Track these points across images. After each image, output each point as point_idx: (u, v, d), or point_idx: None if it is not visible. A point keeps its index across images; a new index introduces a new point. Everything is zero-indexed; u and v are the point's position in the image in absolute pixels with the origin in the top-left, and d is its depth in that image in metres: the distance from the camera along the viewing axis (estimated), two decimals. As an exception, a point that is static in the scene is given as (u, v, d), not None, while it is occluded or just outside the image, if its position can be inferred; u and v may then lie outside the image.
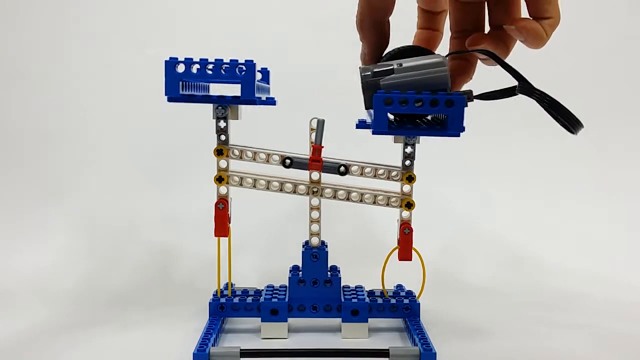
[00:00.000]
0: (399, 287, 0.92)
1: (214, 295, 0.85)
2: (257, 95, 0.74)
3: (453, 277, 1.05)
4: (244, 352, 0.73)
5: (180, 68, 0.72)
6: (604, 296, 0.98)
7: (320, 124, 0.78)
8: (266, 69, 0.82)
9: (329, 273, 0.84)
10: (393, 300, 0.85)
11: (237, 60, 0.73)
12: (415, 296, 0.86)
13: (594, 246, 1.16)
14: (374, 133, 0.72)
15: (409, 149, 0.79)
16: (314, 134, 0.79)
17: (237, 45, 1.23)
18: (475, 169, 1.27)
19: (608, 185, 1.27)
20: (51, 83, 1.23)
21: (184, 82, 0.73)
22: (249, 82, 0.73)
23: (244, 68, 0.73)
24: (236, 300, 0.84)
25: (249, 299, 0.84)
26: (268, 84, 0.82)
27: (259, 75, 0.75)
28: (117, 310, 0.90)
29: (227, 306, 0.84)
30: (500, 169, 1.27)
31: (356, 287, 0.88)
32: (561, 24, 0.61)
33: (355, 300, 0.82)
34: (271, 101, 0.79)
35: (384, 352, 0.73)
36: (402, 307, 0.85)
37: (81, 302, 0.93)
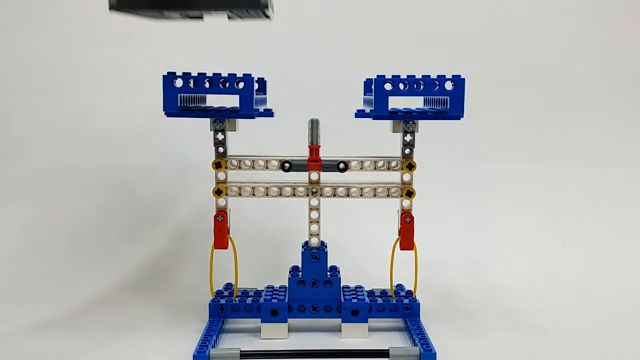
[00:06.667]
0: (399, 286, 0.91)
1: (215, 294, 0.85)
2: (255, 107, 0.74)
3: (454, 276, 1.05)
4: (244, 354, 0.73)
5: (179, 83, 0.73)
6: (605, 296, 0.98)
7: (315, 123, 0.79)
8: (263, 78, 0.82)
9: (328, 273, 0.84)
10: (393, 300, 0.85)
11: (235, 75, 0.73)
12: (415, 296, 0.86)
13: (594, 252, 1.16)
14: (374, 118, 0.74)
15: (408, 137, 0.79)
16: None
17: (233, 46, 1.23)
18: (478, 166, 1.27)
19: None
20: (51, 83, 1.23)
21: (181, 95, 0.74)
22: (247, 97, 0.73)
23: (242, 82, 0.73)
24: (236, 301, 0.84)
25: (249, 300, 0.84)
26: (265, 94, 0.82)
27: (255, 86, 0.75)
28: (117, 312, 0.90)
29: (227, 307, 0.84)
30: (501, 167, 1.27)
31: (356, 287, 0.88)
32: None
33: (355, 300, 0.82)
34: (269, 113, 0.80)
35: (384, 352, 0.73)
36: (402, 307, 0.85)
37: (80, 303, 0.93)
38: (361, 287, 0.88)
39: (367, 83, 0.84)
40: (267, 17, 0.68)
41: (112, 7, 0.63)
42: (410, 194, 0.80)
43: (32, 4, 1.23)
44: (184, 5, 0.62)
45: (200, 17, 0.71)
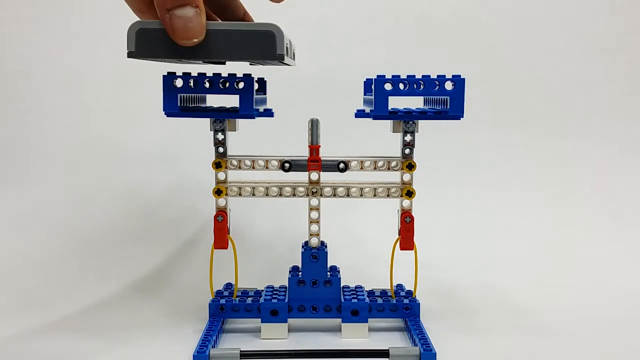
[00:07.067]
0: (399, 287, 0.91)
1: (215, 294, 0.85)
2: (255, 107, 0.74)
3: (454, 276, 1.05)
4: (244, 354, 0.73)
5: (179, 83, 0.73)
6: (606, 296, 0.98)
7: (315, 123, 0.79)
8: (263, 78, 0.82)
9: (328, 273, 0.84)
10: (393, 300, 0.85)
11: (235, 75, 0.73)
12: (415, 296, 0.86)
13: (596, 248, 1.16)
14: (374, 118, 0.74)
15: (408, 137, 0.79)
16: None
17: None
18: (479, 166, 1.27)
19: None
20: (53, 83, 1.23)
21: (181, 95, 0.74)
22: (247, 97, 0.73)
23: (242, 82, 0.73)
24: (236, 301, 0.84)
25: (249, 300, 0.84)
26: (265, 94, 0.82)
27: (255, 86, 0.75)
28: (117, 312, 0.90)
29: (227, 307, 0.84)
30: (501, 167, 1.27)
31: (356, 287, 0.88)
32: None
33: (355, 300, 0.82)
34: (269, 113, 0.80)
35: (384, 352, 0.73)
36: (402, 307, 0.85)
37: (80, 305, 0.93)
38: (361, 287, 0.88)
39: (367, 83, 0.84)
40: (287, 64, 0.68)
41: (131, 55, 0.62)
42: (410, 194, 0.80)
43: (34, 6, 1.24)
44: (203, 56, 0.62)
45: (223, 63, 0.71)
